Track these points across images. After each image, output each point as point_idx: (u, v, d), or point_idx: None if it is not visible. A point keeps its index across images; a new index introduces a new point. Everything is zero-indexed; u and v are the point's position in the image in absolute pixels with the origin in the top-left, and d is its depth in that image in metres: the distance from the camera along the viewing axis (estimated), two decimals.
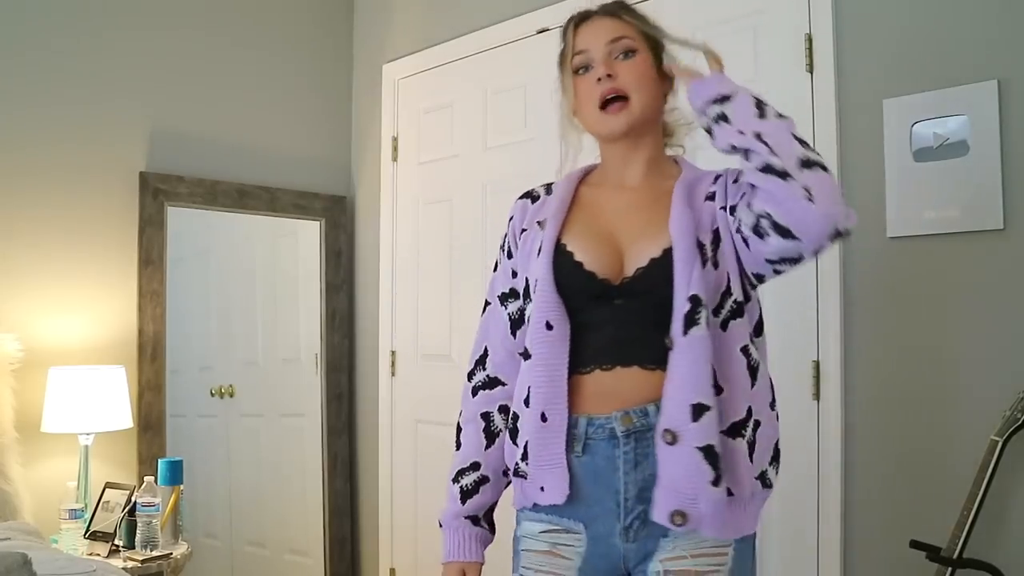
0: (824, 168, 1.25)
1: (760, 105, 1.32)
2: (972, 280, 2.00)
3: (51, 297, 2.83)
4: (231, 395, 3.55)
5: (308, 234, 3.54)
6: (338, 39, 3.66)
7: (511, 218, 1.53)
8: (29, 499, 2.55)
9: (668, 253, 1.33)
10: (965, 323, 2.01)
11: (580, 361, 1.36)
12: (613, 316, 1.35)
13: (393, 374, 3.38)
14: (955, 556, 1.77)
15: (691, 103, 1.38)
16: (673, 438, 1.28)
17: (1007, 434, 1.78)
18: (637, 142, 1.44)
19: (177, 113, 3.16)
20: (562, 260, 1.38)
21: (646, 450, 1.31)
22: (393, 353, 3.39)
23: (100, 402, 2.67)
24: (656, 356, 1.32)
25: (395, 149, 3.44)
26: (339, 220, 3.57)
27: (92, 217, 2.95)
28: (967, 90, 1.99)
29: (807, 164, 1.24)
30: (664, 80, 1.46)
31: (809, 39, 2.26)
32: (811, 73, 2.26)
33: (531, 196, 1.53)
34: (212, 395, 3.54)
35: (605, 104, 1.40)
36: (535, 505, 1.40)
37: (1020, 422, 1.77)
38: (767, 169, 1.25)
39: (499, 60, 3.05)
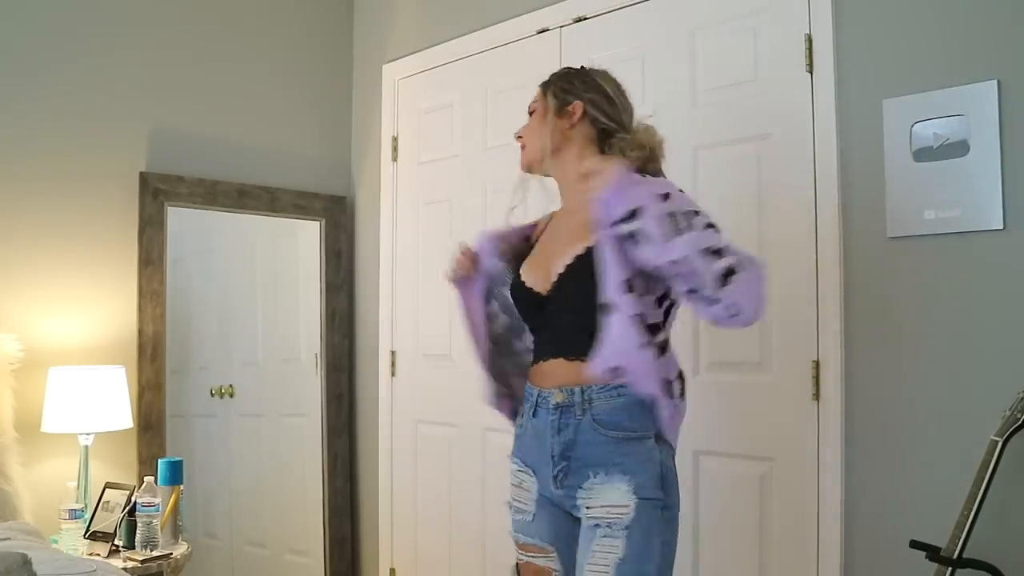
0: (740, 268, 1.50)
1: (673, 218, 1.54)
2: (972, 280, 2.00)
3: (51, 297, 2.83)
4: (231, 395, 3.55)
5: (308, 234, 3.54)
6: (338, 39, 3.66)
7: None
8: (29, 499, 2.55)
9: (569, 267, 1.69)
10: (965, 323, 2.01)
11: (536, 354, 1.81)
12: (544, 320, 1.78)
13: (393, 374, 3.38)
14: (955, 556, 1.77)
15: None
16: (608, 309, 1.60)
17: (1007, 434, 1.77)
18: (553, 173, 1.83)
19: (177, 113, 3.16)
20: (516, 281, 1.83)
21: (568, 421, 1.69)
22: (393, 353, 3.39)
23: (100, 402, 2.67)
24: (575, 349, 1.69)
25: (395, 149, 3.44)
26: (339, 220, 3.57)
27: (92, 217, 2.95)
28: (967, 90, 1.99)
29: (727, 276, 1.49)
30: (563, 118, 1.78)
31: (809, 39, 2.26)
32: (811, 73, 2.26)
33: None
34: (212, 395, 3.54)
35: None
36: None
37: (1020, 422, 1.77)
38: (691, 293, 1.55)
39: (499, 60, 3.05)
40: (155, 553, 2.51)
